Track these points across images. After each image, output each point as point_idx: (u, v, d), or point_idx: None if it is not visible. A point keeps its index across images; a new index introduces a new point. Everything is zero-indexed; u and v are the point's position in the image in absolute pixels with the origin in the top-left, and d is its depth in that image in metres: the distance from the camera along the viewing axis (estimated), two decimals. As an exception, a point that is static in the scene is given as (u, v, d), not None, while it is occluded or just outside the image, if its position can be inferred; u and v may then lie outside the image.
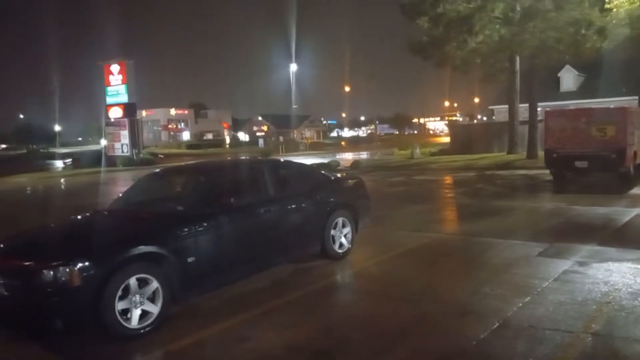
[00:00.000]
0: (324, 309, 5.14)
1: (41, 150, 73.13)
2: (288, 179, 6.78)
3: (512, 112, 25.08)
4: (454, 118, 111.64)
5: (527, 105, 24.03)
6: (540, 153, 18.16)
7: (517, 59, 23.93)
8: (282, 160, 9.33)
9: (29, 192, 23.69)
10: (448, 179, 19.07)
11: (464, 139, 31.67)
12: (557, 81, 37.95)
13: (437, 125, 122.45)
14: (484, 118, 69.66)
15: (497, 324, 4.45)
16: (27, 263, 4.50)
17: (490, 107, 43.01)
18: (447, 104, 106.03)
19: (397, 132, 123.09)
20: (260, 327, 4.71)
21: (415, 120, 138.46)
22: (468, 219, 10.07)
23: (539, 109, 23.94)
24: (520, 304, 4.90)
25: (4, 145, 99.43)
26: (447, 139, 40.73)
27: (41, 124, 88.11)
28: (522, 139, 24.28)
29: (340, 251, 6.88)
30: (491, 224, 9.04)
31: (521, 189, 14.81)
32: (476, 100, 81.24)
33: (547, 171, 15.07)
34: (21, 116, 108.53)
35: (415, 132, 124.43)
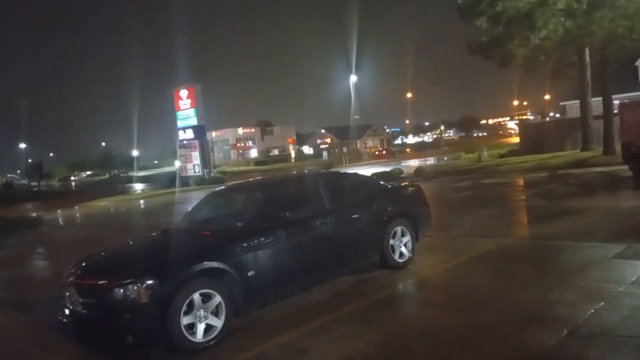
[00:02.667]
0: (383, 320, 5.08)
1: (121, 175, 78.15)
2: (343, 190, 6.82)
3: (585, 107, 23.85)
4: (525, 117, 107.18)
5: (601, 99, 22.72)
6: (618, 148, 17.10)
7: (587, 51, 22.72)
8: (336, 172, 9.40)
9: (110, 213, 25.19)
10: (517, 181, 18.34)
11: (535, 138, 30.36)
12: (635, 70, 35.62)
13: (508, 124, 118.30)
14: (557, 115, 66.25)
15: (566, 332, 4.22)
16: (100, 282, 4.80)
17: (562, 104, 40.99)
18: (516, 102, 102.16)
19: (464, 135, 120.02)
20: (319, 339, 4.73)
21: (484, 121, 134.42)
22: (538, 222, 9.63)
23: (616, 101, 22.54)
24: (592, 310, 4.61)
25: (89, 172, 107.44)
26: (517, 139, 39.17)
27: (121, 150, 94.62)
28: (598, 135, 22.96)
29: (400, 261, 6.80)
30: (563, 226, 8.58)
31: (597, 188, 13.97)
32: (547, 97, 77.75)
33: (626, 167, 14.14)
34: (103, 144, 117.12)
35: (485, 134, 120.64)
